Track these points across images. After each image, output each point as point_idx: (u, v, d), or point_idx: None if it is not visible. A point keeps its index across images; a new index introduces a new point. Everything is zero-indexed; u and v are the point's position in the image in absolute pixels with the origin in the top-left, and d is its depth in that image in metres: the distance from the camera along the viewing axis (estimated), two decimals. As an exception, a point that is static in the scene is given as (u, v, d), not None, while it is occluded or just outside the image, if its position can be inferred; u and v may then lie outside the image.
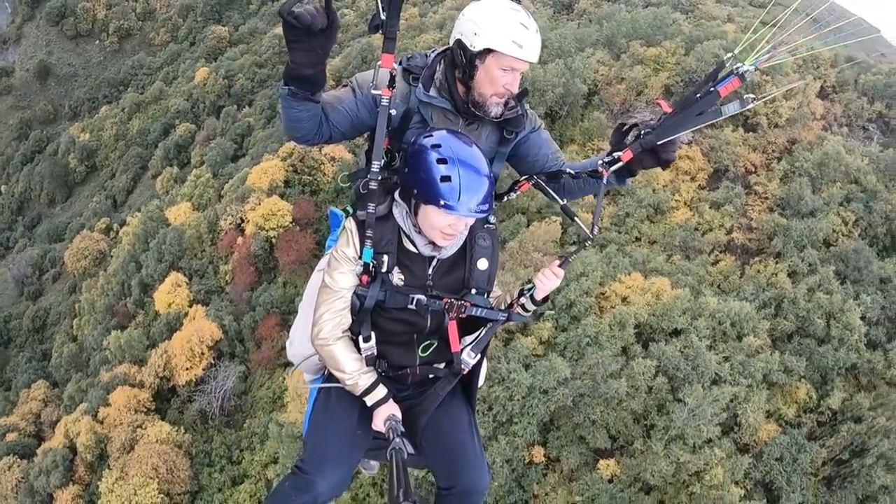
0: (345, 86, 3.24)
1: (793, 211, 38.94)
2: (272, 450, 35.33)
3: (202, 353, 43.38)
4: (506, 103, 3.20)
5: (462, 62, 3.10)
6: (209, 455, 39.51)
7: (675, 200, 41.90)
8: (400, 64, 3.22)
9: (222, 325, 45.24)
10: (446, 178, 2.79)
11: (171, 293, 50.09)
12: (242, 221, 53.26)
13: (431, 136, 2.91)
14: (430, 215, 2.91)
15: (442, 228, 2.93)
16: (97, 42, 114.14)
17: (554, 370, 29.83)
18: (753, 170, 43.08)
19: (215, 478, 37.77)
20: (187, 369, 43.14)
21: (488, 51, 3.00)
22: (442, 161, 2.81)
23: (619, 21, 55.80)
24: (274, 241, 49.89)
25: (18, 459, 44.13)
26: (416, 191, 2.89)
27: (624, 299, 34.37)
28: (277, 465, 34.44)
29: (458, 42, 3.09)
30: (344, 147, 56.58)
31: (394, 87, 2.97)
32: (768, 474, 28.42)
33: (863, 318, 32.28)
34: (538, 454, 30.29)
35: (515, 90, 3.17)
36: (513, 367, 30.22)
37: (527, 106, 3.41)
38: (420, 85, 3.20)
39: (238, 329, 45.71)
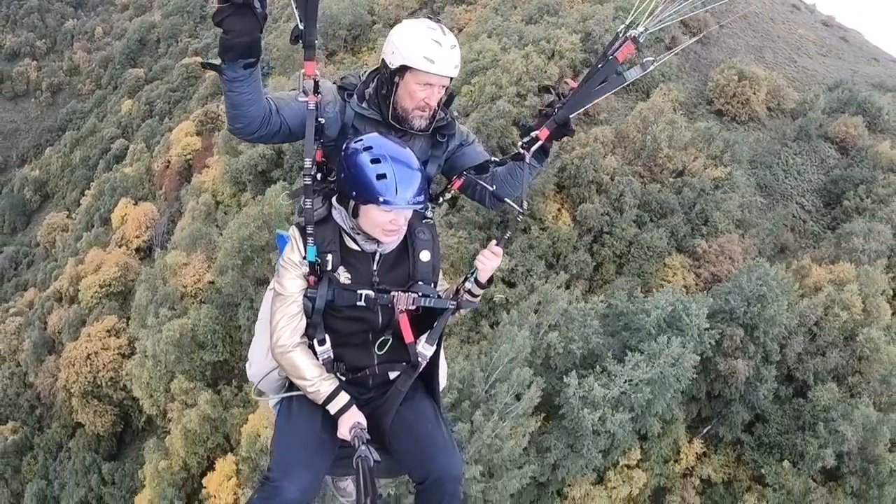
0: (292, 90, 3.31)
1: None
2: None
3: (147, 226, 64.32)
4: (433, 115, 3.40)
5: (384, 80, 3.32)
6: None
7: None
8: (335, 83, 3.42)
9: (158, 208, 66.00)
10: (382, 176, 2.92)
11: (122, 210, 70.24)
12: (168, 163, 74.25)
13: (362, 139, 3.06)
14: (371, 214, 3.02)
15: (383, 226, 3.04)
16: (33, 99, 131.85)
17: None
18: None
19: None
20: (136, 237, 64.32)
21: (404, 68, 3.20)
22: (375, 161, 2.95)
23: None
24: (190, 161, 71.10)
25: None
26: (354, 193, 3.00)
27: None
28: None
29: (382, 61, 3.31)
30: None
31: (318, 94, 3.13)
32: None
33: None
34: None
35: (434, 103, 3.33)
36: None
37: (455, 114, 3.63)
38: (354, 97, 3.36)
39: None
